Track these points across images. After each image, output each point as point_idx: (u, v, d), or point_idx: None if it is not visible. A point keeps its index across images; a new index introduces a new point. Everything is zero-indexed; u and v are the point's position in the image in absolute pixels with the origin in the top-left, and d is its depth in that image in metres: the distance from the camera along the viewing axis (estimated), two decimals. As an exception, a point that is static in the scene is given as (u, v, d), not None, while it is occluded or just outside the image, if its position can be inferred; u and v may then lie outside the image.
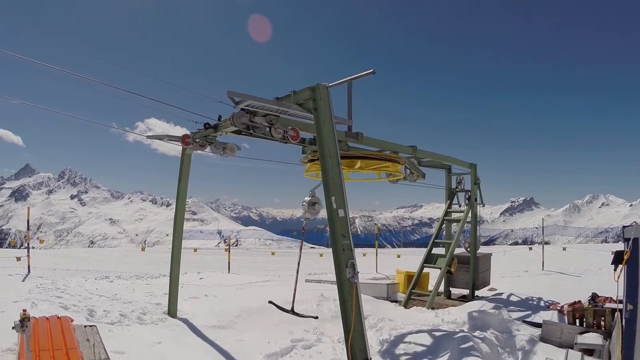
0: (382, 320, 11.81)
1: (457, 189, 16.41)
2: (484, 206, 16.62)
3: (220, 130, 10.18)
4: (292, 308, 10.54)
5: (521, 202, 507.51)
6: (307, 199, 9.01)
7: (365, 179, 14.47)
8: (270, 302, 10.93)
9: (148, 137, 12.12)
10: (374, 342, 9.53)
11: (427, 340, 9.69)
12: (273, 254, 37.69)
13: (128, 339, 9.58)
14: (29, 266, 18.83)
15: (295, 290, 10.63)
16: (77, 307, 11.70)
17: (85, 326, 9.40)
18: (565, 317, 11.20)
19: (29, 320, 5.86)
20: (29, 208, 21.21)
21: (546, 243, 28.31)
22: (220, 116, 9.74)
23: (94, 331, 9.10)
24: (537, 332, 10.62)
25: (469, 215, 15.75)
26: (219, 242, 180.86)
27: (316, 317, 10.69)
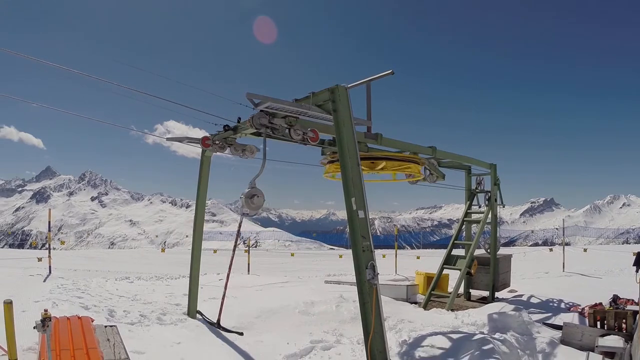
0: (402, 321, 11.80)
1: (477, 190, 16.32)
2: (504, 207, 16.55)
3: (239, 132, 10.21)
4: (218, 321, 10.49)
5: (541, 202, 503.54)
6: (246, 191, 8.64)
7: (381, 179, 14.44)
8: (198, 311, 10.80)
9: (168, 139, 12.18)
10: (393, 343, 9.50)
11: (446, 342, 9.65)
12: (292, 255, 37.78)
13: (148, 339, 9.63)
14: (50, 267, 18.98)
15: (222, 301, 10.62)
16: (98, 307, 11.78)
17: (105, 326, 9.45)
18: (586, 320, 11.10)
19: (50, 320, 5.89)
20: (50, 210, 21.34)
21: (567, 244, 28.12)
22: (239, 118, 9.75)
23: (114, 331, 9.14)
24: (557, 334, 10.52)
25: (489, 216, 15.68)
26: (239, 244, 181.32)
27: (241, 334, 10.49)
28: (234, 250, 10.62)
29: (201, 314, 10.69)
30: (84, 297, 12.99)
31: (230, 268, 10.24)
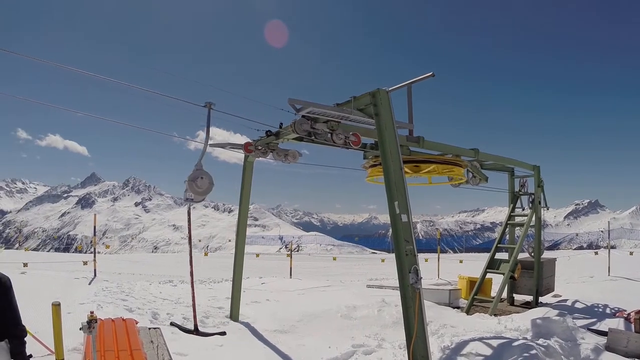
0: (444, 326, 11.72)
1: (521, 192, 16.14)
2: (547, 209, 16.34)
3: (281, 137, 10.26)
4: (196, 327, 10.42)
5: (586, 204, 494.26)
6: (190, 173, 8.26)
7: (423, 183, 14.37)
8: (172, 323, 10.71)
9: (211, 145, 12.28)
10: (435, 348, 9.44)
11: (489, 348, 9.56)
12: (334, 259, 37.81)
13: (190, 342, 9.73)
14: (95, 270, 19.26)
15: (194, 305, 10.56)
16: (142, 309, 11.94)
17: (149, 328, 9.59)
18: (632, 325, 10.89)
19: (96, 322, 6.00)
20: (95, 215, 21.75)
21: (612, 247, 27.61)
22: (281, 123, 9.81)
23: (158, 333, 9.27)
24: (602, 340, 10.34)
25: (533, 219, 15.48)
26: (281, 248, 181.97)
27: (223, 333, 10.40)
28: (190, 244, 10.08)
29: (175, 325, 10.63)
30: (128, 300, 13.17)
31: (191, 266, 9.98)
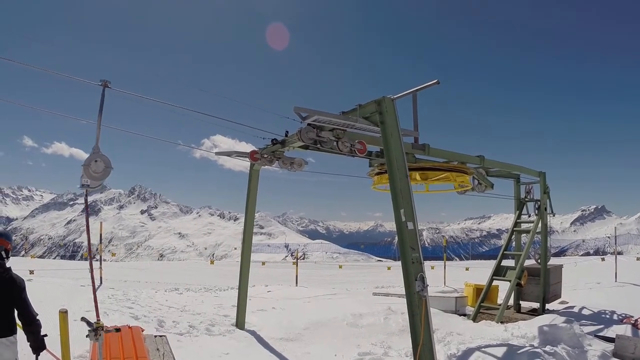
0: (451, 334, 11.70)
1: (526, 199, 16.11)
2: (554, 216, 16.31)
3: (287, 146, 10.28)
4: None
5: (592, 210, 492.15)
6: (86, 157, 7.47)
7: (429, 190, 14.36)
8: (82, 318, 10.46)
9: (217, 153, 12.32)
10: (442, 356, 9.43)
11: (496, 355, 9.55)
12: (340, 267, 37.82)
13: (197, 350, 9.75)
14: (101, 277, 19.31)
15: (95, 302, 10.33)
16: (148, 317, 11.97)
17: (155, 336, 9.59)
18: (640, 332, 10.87)
19: (102, 329, 6.02)
20: (101, 222, 21.78)
21: (619, 253, 27.53)
22: (287, 132, 9.83)
23: (164, 341, 9.27)
24: (609, 347, 10.31)
25: (539, 225, 15.45)
26: (286, 256, 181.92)
27: (118, 330, 10.19)
28: (88, 233, 9.52)
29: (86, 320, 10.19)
30: (134, 308, 13.20)
31: (90, 264, 9.73)
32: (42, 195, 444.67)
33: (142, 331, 9.43)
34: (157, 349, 8.66)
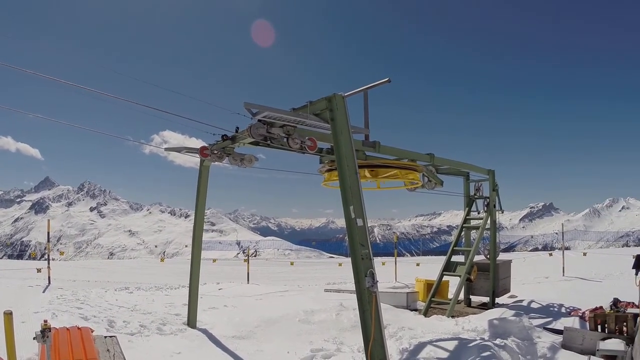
0: (402, 329, 11.79)
1: (476, 196, 16.32)
2: (502, 212, 16.55)
3: (237, 142, 10.23)
4: None
5: (540, 207, 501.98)
6: None
7: (379, 187, 14.44)
8: None
9: (166, 149, 12.20)
10: (393, 351, 9.49)
11: (447, 348, 9.65)
12: (292, 264, 37.75)
13: (148, 350, 9.64)
14: (49, 277, 18.96)
15: None
16: (97, 318, 11.77)
17: (105, 337, 9.44)
18: (587, 324, 11.08)
19: (50, 331, 5.90)
20: (49, 220, 21.33)
21: (566, 248, 28.15)
22: (237, 127, 9.78)
23: (114, 342, 9.13)
24: (558, 339, 10.51)
25: (488, 222, 15.67)
26: (238, 253, 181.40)
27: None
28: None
29: None
30: (83, 308, 12.97)
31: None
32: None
33: (92, 332, 9.27)
34: (108, 350, 8.52)
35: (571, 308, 13.87)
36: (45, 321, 5.95)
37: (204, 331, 11.47)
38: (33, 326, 9.37)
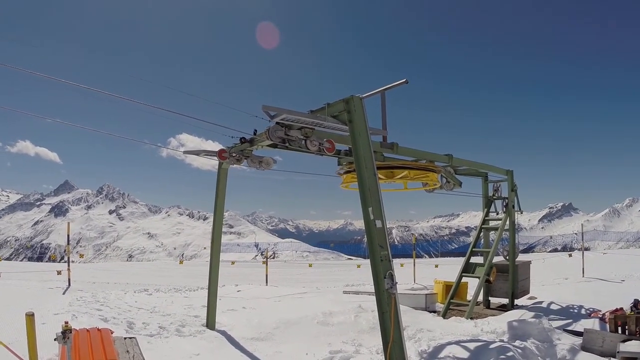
0: (421, 330, 11.75)
1: (494, 197, 16.24)
2: (521, 213, 16.47)
3: (256, 144, 10.25)
4: None
5: (559, 207, 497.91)
6: None
7: (397, 189, 14.42)
8: None
9: (185, 152, 12.26)
10: (412, 353, 9.47)
11: (466, 350, 9.61)
12: (310, 265, 37.73)
13: (167, 351, 9.67)
14: (69, 279, 19.10)
15: None
16: (117, 319, 11.84)
17: (125, 338, 9.51)
18: (607, 325, 11.00)
19: (71, 332, 5.96)
20: (69, 223, 21.51)
21: (586, 249, 27.88)
22: (255, 130, 9.80)
23: (134, 343, 9.20)
24: (578, 341, 10.45)
25: (507, 222, 15.60)
26: (256, 255, 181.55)
27: None
28: None
29: None
30: (103, 310, 13.06)
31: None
32: (8, 196, 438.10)
33: (112, 333, 9.35)
34: (127, 351, 8.58)
35: (591, 309, 13.77)
36: (66, 322, 6.01)
37: (223, 333, 11.49)
38: (53, 327, 9.45)
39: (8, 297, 13.97)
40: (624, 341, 9.73)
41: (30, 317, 5.98)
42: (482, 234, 16.35)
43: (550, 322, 11.65)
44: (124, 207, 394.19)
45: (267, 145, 10.01)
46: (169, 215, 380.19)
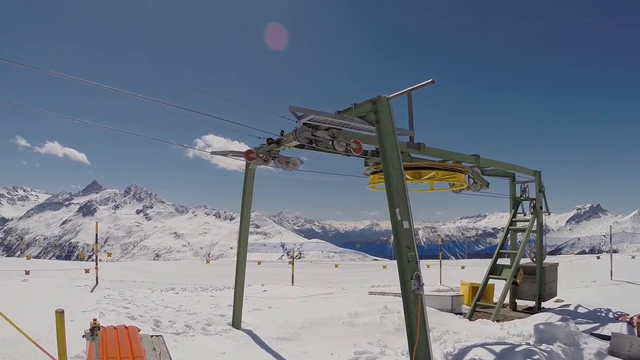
0: (447, 332, 11.69)
1: (522, 198, 16.11)
2: (549, 214, 16.30)
3: (283, 145, 10.28)
4: None
5: (587, 209, 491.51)
6: None
7: (424, 189, 14.37)
8: None
9: (213, 153, 12.33)
10: (438, 355, 9.43)
11: (492, 353, 9.56)
12: (336, 266, 37.75)
13: (193, 349, 9.75)
14: (97, 278, 19.28)
15: None
16: (144, 317, 11.97)
17: (151, 336, 9.59)
18: (635, 329, 10.88)
19: (99, 329, 6.02)
20: (97, 222, 21.72)
21: (614, 251, 27.55)
22: (282, 131, 9.83)
23: (160, 341, 9.27)
24: (605, 345, 10.33)
25: (534, 224, 15.47)
26: (282, 255, 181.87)
27: None
28: None
29: None
30: (130, 308, 13.20)
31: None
32: (37, 196, 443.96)
33: (139, 331, 9.43)
34: (154, 349, 8.66)
35: (619, 313, 13.60)
36: (95, 320, 6.08)
37: (249, 332, 11.54)
38: (81, 325, 9.58)
39: (37, 295, 14.13)
40: (652, 345, 9.62)
41: (60, 314, 6.06)
42: (509, 235, 16.22)
43: (577, 325, 11.52)
44: (151, 207, 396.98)
45: (294, 146, 10.05)
46: (195, 215, 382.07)
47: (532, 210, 15.73)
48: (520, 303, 16.10)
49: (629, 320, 12.36)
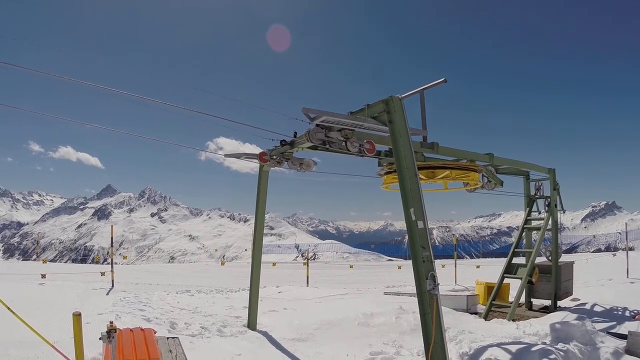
0: (462, 332, 11.67)
1: (536, 196, 16.05)
2: (564, 212, 16.23)
3: (296, 147, 10.30)
4: None
5: (603, 206, 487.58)
6: None
7: (438, 189, 14.35)
8: None
9: (226, 155, 12.35)
10: (453, 355, 9.41)
11: (507, 353, 9.51)
12: (351, 267, 37.75)
13: (209, 351, 9.78)
14: (112, 281, 19.39)
15: None
16: (160, 319, 12.02)
17: (167, 338, 9.64)
18: (653, 328, 10.81)
19: (115, 332, 6.06)
20: (112, 226, 21.87)
21: (630, 249, 27.39)
22: (295, 132, 9.84)
23: (176, 343, 9.31)
24: (622, 344, 10.25)
25: (549, 222, 15.40)
26: (297, 256, 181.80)
27: None
28: None
29: None
30: (145, 310, 13.27)
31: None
32: (52, 200, 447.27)
33: (155, 333, 9.47)
34: (170, 351, 8.69)
35: (636, 311, 13.53)
36: (111, 322, 6.12)
37: (264, 333, 11.57)
38: (97, 327, 9.65)
39: (54, 298, 14.22)
40: (670, 344, 9.55)
41: (77, 316, 6.10)
42: (524, 234, 16.17)
43: (593, 324, 11.44)
44: (166, 210, 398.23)
45: (308, 147, 10.06)
46: (210, 217, 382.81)
47: (546, 208, 15.66)
48: (536, 302, 16.03)
49: (646, 318, 12.29)
